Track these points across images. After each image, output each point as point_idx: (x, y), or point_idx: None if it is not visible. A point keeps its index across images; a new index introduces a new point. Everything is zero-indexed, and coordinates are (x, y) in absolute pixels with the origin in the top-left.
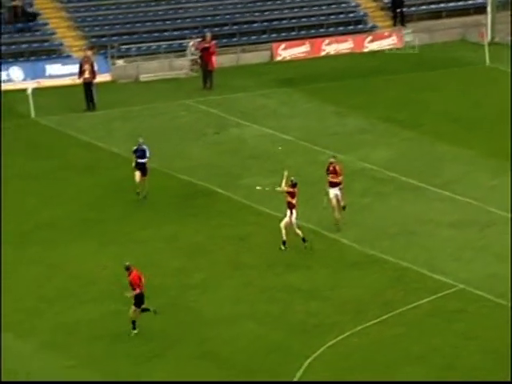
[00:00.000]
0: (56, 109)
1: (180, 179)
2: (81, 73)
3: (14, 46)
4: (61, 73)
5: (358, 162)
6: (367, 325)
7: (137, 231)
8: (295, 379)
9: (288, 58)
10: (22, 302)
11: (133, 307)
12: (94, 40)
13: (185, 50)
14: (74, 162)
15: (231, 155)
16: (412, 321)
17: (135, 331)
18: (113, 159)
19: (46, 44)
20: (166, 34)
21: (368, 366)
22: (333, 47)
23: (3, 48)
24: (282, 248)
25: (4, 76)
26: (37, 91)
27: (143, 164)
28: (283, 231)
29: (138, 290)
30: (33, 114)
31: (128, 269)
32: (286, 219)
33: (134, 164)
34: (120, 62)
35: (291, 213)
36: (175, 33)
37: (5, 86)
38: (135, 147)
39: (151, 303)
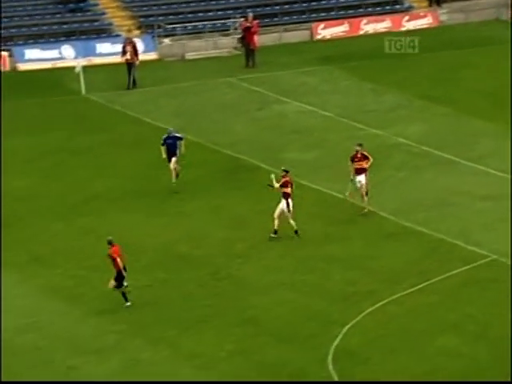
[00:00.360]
0: (106, 86)
1: (224, 154)
2: (123, 53)
3: (65, 26)
4: (110, 51)
5: (394, 138)
6: (403, 293)
7: (183, 203)
8: (333, 346)
9: (328, 37)
10: (72, 270)
11: (112, 281)
12: (141, 20)
13: (228, 30)
14: (123, 136)
15: (273, 131)
16: (446, 290)
17: (128, 303)
18: (160, 134)
19: (96, 24)
20: (210, 13)
21: (404, 333)
22: (371, 26)
23: (55, 27)
24: (273, 236)
25: (56, 54)
26: (87, 69)
27: (175, 151)
28: (276, 221)
29: (117, 267)
30: (83, 91)
31: (110, 243)
32: (279, 209)
33: (164, 155)
34: (166, 40)
35: (287, 204)
36: (219, 13)
37: (57, 64)
38: (165, 135)
39: (198, 272)
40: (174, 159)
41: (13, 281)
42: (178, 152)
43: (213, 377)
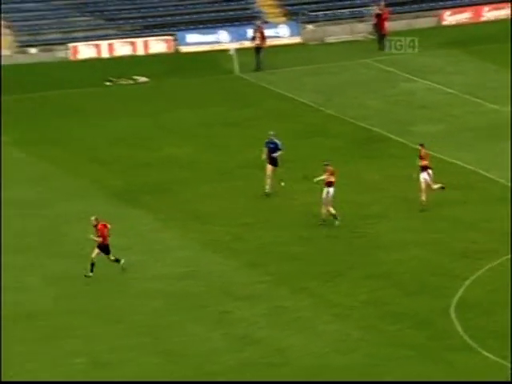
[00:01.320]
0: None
1: (358, 126)
2: (253, 39)
3: (222, 13)
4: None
5: None
6: None
7: (321, 169)
8: (456, 298)
9: (453, 23)
10: (227, 227)
11: (97, 250)
12: (287, 8)
13: (363, 16)
14: (270, 110)
15: (403, 106)
16: None
17: (91, 274)
18: (302, 108)
19: (247, 11)
20: (347, 2)
21: None
22: (493, 14)
23: (213, 15)
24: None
25: (213, 38)
26: (240, 51)
27: (275, 158)
28: (323, 210)
29: (101, 239)
30: (236, 71)
31: (95, 225)
32: (324, 196)
33: (264, 156)
34: (309, 26)
35: (328, 191)
36: (357, 1)
37: (214, 47)
38: (267, 140)
39: (335, 231)
40: (270, 167)
41: (174, 235)
42: (278, 162)
43: (348, 324)
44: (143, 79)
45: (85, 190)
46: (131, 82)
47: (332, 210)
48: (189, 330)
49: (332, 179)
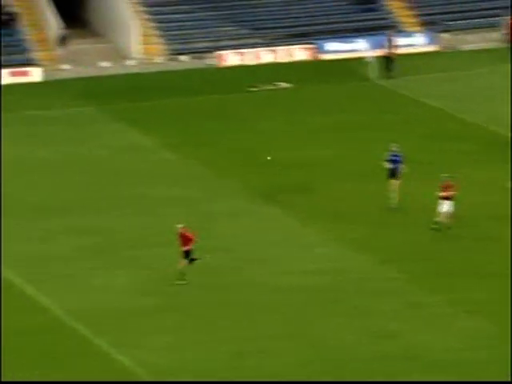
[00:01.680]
0: (391, 73)
1: (490, 131)
2: (385, 48)
3: (360, 23)
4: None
5: None
6: None
7: (443, 172)
8: None
9: None
10: (363, 226)
11: (182, 260)
12: (424, 18)
13: (497, 25)
14: (405, 115)
15: None
16: None
17: (183, 282)
18: (437, 113)
19: (384, 21)
20: (481, 12)
21: None
22: None
23: (351, 24)
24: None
25: (351, 47)
26: (376, 59)
27: (396, 171)
28: (443, 220)
29: (187, 247)
30: (374, 78)
31: (182, 228)
32: (443, 210)
33: (387, 165)
34: (446, 35)
35: (446, 204)
36: (489, 11)
37: (351, 55)
38: (389, 152)
39: (464, 232)
40: (393, 182)
41: (312, 232)
42: (399, 174)
43: (480, 321)
44: (285, 85)
45: (231, 189)
46: (274, 87)
47: (446, 220)
48: (327, 322)
49: (449, 193)
